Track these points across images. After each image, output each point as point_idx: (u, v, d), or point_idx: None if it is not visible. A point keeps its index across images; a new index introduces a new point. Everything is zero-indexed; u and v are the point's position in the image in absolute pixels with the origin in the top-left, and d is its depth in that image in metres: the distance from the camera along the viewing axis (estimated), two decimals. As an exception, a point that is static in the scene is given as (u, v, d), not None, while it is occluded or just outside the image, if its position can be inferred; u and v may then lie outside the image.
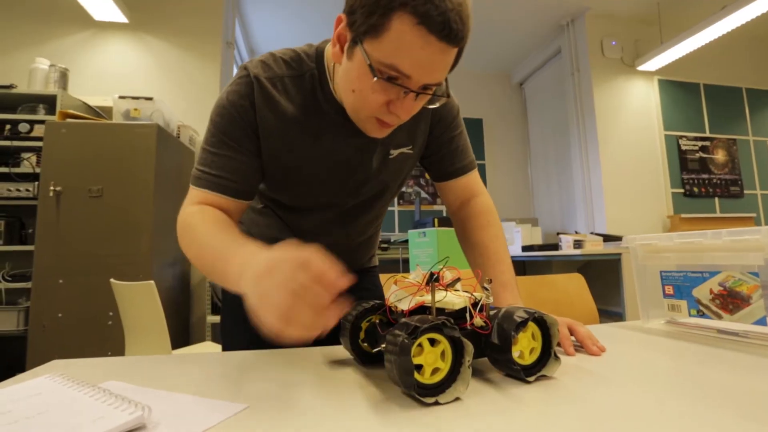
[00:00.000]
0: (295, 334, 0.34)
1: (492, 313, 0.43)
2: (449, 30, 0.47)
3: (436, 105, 0.56)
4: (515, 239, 3.21)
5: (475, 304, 0.43)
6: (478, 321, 0.42)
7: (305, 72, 0.62)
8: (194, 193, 0.60)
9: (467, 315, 0.42)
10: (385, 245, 3.81)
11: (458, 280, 0.46)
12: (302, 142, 0.63)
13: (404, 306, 0.43)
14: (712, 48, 3.72)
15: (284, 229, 0.74)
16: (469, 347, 0.37)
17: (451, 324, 0.37)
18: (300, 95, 0.62)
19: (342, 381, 0.43)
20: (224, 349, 0.77)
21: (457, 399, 0.36)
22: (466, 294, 0.44)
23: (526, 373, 0.41)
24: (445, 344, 0.37)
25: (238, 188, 0.60)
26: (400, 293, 0.45)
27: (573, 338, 0.55)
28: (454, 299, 0.42)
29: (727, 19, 2.98)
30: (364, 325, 0.49)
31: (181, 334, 2.53)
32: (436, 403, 0.35)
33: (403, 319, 0.37)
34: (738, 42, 4.08)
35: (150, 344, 1.46)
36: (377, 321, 0.48)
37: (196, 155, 2.71)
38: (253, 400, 0.37)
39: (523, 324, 0.41)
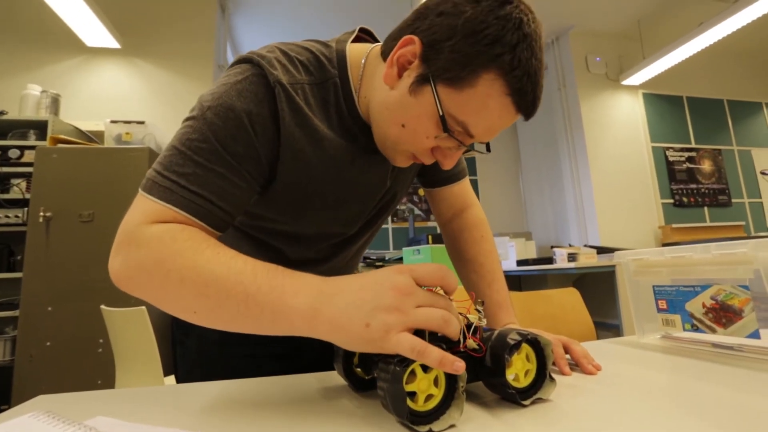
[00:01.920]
0: (440, 357, 0.32)
1: (486, 335, 0.43)
2: (534, 108, 0.45)
3: (472, 154, 0.53)
4: (510, 254, 3.22)
5: (468, 326, 0.42)
6: (471, 344, 0.41)
7: (328, 80, 0.52)
8: (154, 208, 0.42)
9: (461, 338, 0.42)
10: (380, 263, 3.80)
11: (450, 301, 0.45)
12: (334, 165, 0.52)
13: None
14: (694, 62, 3.83)
15: (262, 258, 0.52)
16: (463, 374, 0.36)
17: (444, 349, 0.36)
18: (323, 108, 0.51)
19: (335, 410, 0.42)
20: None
21: (451, 426, 0.36)
22: (459, 316, 0.43)
23: (521, 397, 0.40)
24: (438, 370, 0.36)
25: (224, 217, 0.45)
26: None
27: (568, 357, 0.55)
28: None
29: (705, 35, 3.08)
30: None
31: (174, 361, 2.48)
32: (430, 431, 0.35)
33: None
34: (718, 55, 4.21)
35: (141, 372, 1.43)
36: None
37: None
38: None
39: (516, 346, 0.40)
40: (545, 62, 0.45)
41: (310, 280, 0.37)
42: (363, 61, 0.53)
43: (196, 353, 0.66)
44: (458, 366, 0.33)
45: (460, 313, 0.44)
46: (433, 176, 0.75)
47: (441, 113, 0.44)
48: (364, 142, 0.54)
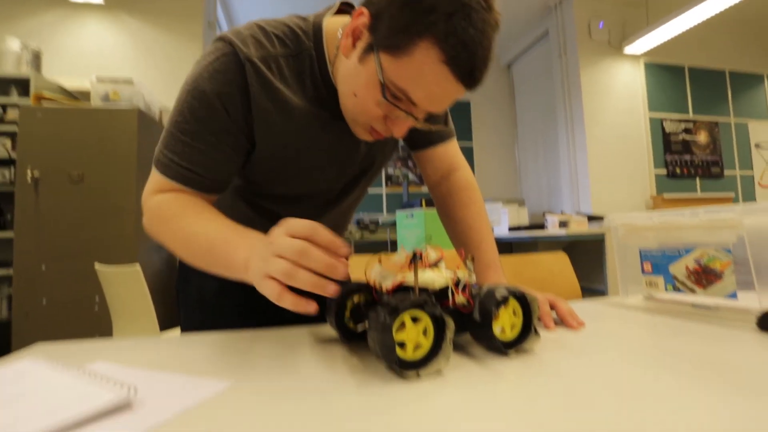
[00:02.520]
0: (293, 300, 0.37)
1: (474, 291, 0.44)
2: (472, 78, 0.46)
3: (432, 128, 0.55)
4: (502, 219, 3.25)
5: (457, 283, 0.44)
6: (460, 299, 0.43)
7: (303, 51, 0.56)
8: (160, 180, 0.55)
9: (449, 293, 0.43)
10: (374, 227, 3.83)
11: (441, 259, 0.46)
12: (307, 133, 0.58)
13: (388, 285, 0.43)
14: (698, 31, 3.74)
15: (260, 219, 0.67)
16: (450, 324, 0.37)
17: (433, 302, 0.37)
18: (298, 79, 0.56)
19: (327, 358, 0.44)
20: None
21: (438, 372, 0.37)
22: (448, 273, 0.44)
23: (506, 348, 0.42)
24: (426, 321, 0.38)
25: (211, 185, 0.56)
26: (384, 272, 0.45)
27: (554, 314, 0.57)
28: (436, 278, 0.43)
29: (712, 2, 2.99)
30: (349, 304, 0.50)
31: (170, 317, 2.52)
32: (418, 376, 0.36)
33: (386, 298, 0.38)
34: (723, 25, 4.11)
35: (138, 328, 1.45)
36: (362, 300, 0.49)
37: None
38: (237, 378, 0.38)
39: (503, 301, 0.42)
40: (495, 45, 0.47)
41: (251, 239, 0.45)
42: (339, 32, 0.55)
43: (196, 300, 0.72)
44: (311, 305, 0.37)
45: (450, 270, 0.45)
46: (418, 138, 0.75)
47: (381, 80, 0.47)
48: (338, 111, 0.57)
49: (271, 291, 0.38)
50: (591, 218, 2.86)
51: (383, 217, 4.09)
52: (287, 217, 0.63)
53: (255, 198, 0.67)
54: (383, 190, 4.28)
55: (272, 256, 0.39)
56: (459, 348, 0.46)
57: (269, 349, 0.48)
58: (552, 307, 0.57)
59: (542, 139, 4.20)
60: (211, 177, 0.55)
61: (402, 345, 0.37)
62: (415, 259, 0.41)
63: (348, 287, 0.49)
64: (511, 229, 3.19)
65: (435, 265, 0.46)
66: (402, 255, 0.47)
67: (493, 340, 0.41)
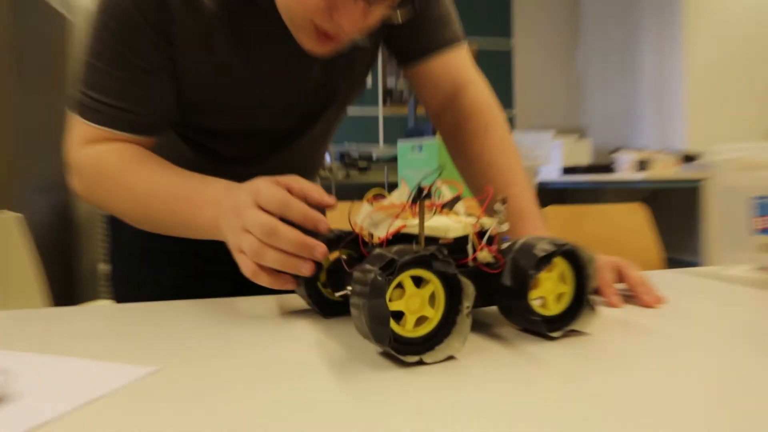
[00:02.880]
0: (269, 279, 0.47)
1: (504, 246, 0.44)
2: None
3: (399, 21, 0.58)
4: (552, 157, 3.22)
5: (481, 234, 0.43)
6: (484, 255, 0.42)
7: None
8: (84, 128, 0.62)
9: (469, 247, 0.42)
10: (365, 163, 3.80)
11: (458, 199, 0.46)
12: (231, 53, 0.65)
13: (382, 233, 0.43)
14: None
15: (200, 160, 0.75)
16: (469, 288, 0.37)
17: (445, 257, 0.37)
18: None
19: (293, 337, 0.44)
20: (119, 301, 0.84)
21: (450, 358, 0.38)
22: (469, 219, 0.44)
23: (549, 327, 0.42)
24: (435, 284, 0.38)
25: (149, 123, 0.64)
26: (377, 216, 0.45)
27: (622, 286, 0.57)
28: (450, 224, 0.42)
29: None
30: (326, 262, 0.49)
31: (66, 289, 2.56)
32: (421, 363, 0.37)
33: (378, 250, 0.38)
34: None
35: (21, 301, 1.48)
36: (344, 257, 0.49)
37: (74, 25, 2.56)
38: (168, 362, 0.38)
39: (546, 260, 0.41)
40: None
41: (214, 193, 0.55)
42: None
43: (126, 243, 0.84)
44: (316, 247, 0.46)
45: (471, 215, 0.45)
46: (404, 45, 0.76)
47: None
48: (280, 24, 0.60)
49: (245, 268, 0.47)
50: (685, 158, 2.84)
51: (379, 149, 4.05)
52: (230, 157, 0.78)
53: (191, 134, 0.76)
54: (379, 111, 4.20)
55: (241, 231, 0.47)
56: (481, 327, 0.46)
57: (216, 324, 0.49)
58: (618, 276, 0.57)
59: (617, 45, 4.09)
60: (147, 112, 0.63)
61: (399, 316, 0.37)
62: (421, 197, 0.41)
63: (324, 238, 0.48)
64: (566, 170, 3.18)
65: (449, 207, 0.45)
66: (403, 191, 0.46)
67: (530, 315, 0.41)
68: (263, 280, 0.47)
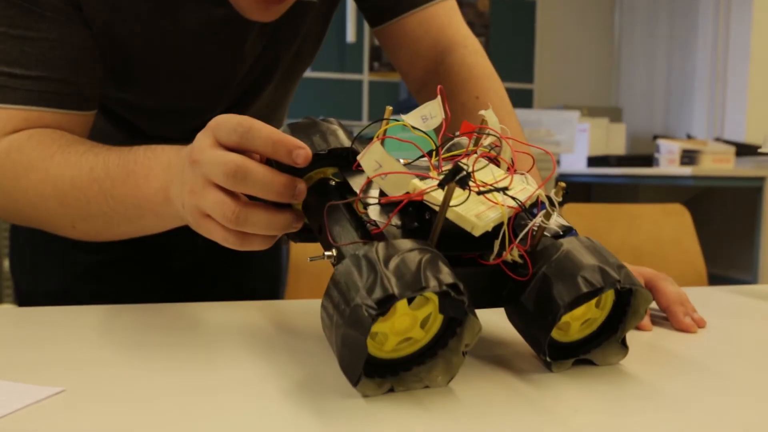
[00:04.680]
0: (242, 242, 0.41)
1: (540, 247, 0.37)
2: None
3: None
4: (578, 142, 3.05)
5: (515, 220, 0.37)
6: (513, 253, 0.36)
7: None
8: None
9: (497, 243, 0.35)
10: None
11: (512, 175, 0.38)
12: (149, 15, 0.59)
13: (391, 191, 0.36)
14: None
15: (130, 142, 0.71)
16: (475, 327, 0.31)
17: (461, 292, 0.30)
18: None
19: (225, 343, 0.44)
20: (21, 303, 0.78)
21: (425, 387, 0.34)
22: (518, 192, 0.37)
23: (560, 354, 0.38)
24: (432, 306, 0.33)
25: (80, 91, 0.56)
26: (388, 162, 0.36)
27: (653, 304, 0.53)
28: (482, 213, 0.35)
29: None
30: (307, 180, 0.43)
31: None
32: (391, 391, 0.33)
33: (377, 248, 0.31)
34: None
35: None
36: (329, 177, 0.43)
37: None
38: (75, 381, 0.35)
39: (589, 296, 0.34)
40: None
41: (163, 156, 0.47)
42: None
43: (30, 248, 0.78)
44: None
45: (507, 195, 0.37)
46: (374, 1, 0.70)
47: None
48: None
49: (215, 233, 0.41)
50: (741, 149, 2.58)
51: (361, 126, 3.90)
52: (159, 138, 0.61)
53: (114, 106, 0.69)
54: (365, 76, 3.79)
55: (203, 184, 0.39)
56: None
57: (137, 335, 0.47)
58: (651, 291, 0.53)
59: (664, 12, 3.87)
60: (70, 78, 0.55)
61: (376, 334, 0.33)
62: (455, 180, 0.32)
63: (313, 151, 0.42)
64: (593, 161, 3.03)
65: (495, 189, 0.37)
66: (434, 109, 0.41)
67: (543, 340, 0.36)
68: (235, 243, 0.41)
